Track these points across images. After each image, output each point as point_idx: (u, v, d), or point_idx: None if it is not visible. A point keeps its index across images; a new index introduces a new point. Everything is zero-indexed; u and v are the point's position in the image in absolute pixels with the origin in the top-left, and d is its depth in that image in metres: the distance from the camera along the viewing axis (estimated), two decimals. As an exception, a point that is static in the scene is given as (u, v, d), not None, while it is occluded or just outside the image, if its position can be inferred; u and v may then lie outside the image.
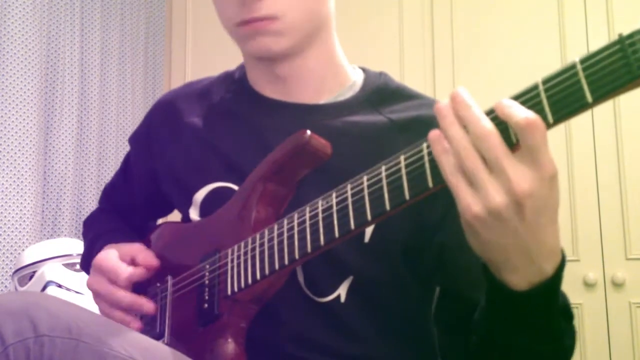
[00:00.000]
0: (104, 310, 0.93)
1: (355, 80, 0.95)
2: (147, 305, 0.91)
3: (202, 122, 0.97)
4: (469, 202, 0.58)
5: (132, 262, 0.94)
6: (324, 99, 0.93)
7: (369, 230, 0.85)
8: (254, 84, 0.96)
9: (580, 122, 2.20)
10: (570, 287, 2.24)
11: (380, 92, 0.93)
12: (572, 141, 2.22)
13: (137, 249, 0.96)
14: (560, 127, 2.20)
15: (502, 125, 0.57)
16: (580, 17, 2.23)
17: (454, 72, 2.37)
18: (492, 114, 0.58)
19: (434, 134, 0.60)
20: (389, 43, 2.47)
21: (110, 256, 0.94)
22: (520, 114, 0.55)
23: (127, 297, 0.91)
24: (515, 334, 0.68)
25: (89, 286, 0.96)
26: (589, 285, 2.14)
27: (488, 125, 0.57)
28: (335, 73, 0.94)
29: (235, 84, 0.99)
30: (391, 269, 0.86)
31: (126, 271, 0.92)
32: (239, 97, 0.97)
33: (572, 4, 2.26)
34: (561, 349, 0.71)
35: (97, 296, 0.95)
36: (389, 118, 0.89)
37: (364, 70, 0.98)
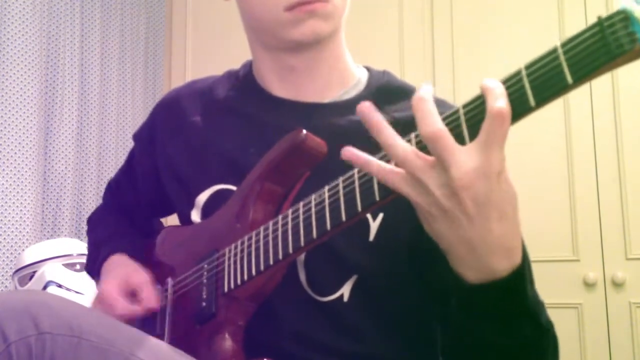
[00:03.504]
0: None
1: (359, 78, 0.96)
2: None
3: (205, 121, 0.97)
4: (411, 193, 0.60)
5: (133, 294, 0.94)
6: (329, 97, 0.93)
7: (373, 229, 0.85)
8: (261, 81, 0.97)
9: (580, 122, 2.21)
10: (570, 287, 2.25)
11: (384, 91, 0.93)
12: (572, 141, 2.22)
13: (142, 283, 0.95)
14: (560, 127, 2.21)
15: (457, 121, 0.59)
16: (580, 17, 2.23)
17: (454, 72, 2.37)
18: (480, 99, 0.59)
19: (347, 151, 0.64)
20: (389, 43, 2.47)
21: (112, 289, 0.94)
22: (497, 99, 0.56)
23: None
24: (476, 329, 0.69)
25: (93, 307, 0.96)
26: (589, 285, 2.14)
27: (436, 122, 0.58)
28: (343, 70, 0.95)
29: (240, 82, 0.99)
30: (396, 267, 0.86)
31: (123, 309, 0.92)
32: (244, 95, 0.98)
33: (572, 3, 2.26)
34: (527, 353, 0.70)
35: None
36: (393, 116, 0.90)
37: (367, 69, 0.98)
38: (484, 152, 0.57)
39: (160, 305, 0.94)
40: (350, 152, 0.63)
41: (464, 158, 0.57)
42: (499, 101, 0.56)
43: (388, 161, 0.63)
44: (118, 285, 0.95)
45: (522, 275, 0.64)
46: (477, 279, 0.63)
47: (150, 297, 0.93)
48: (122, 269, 0.98)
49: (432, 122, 0.58)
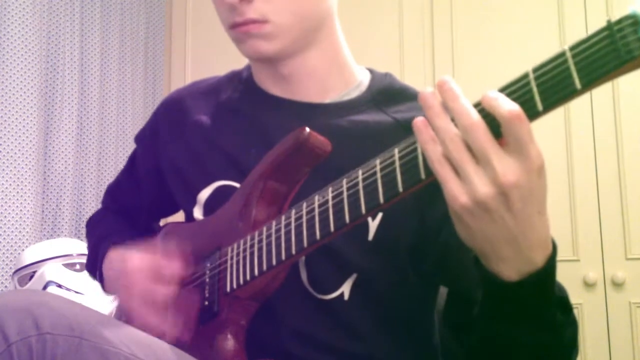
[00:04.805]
0: (144, 312, 0.85)
1: (361, 80, 0.96)
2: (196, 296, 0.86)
3: (208, 120, 0.98)
4: (455, 192, 0.58)
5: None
6: (329, 98, 0.93)
7: (372, 229, 0.85)
8: (260, 83, 0.97)
9: (580, 122, 2.21)
10: (570, 287, 2.23)
11: (386, 93, 0.93)
12: (572, 141, 2.22)
13: (157, 247, 0.90)
14: (560, 127, 2.22)
15: (490, 116, 0.57)
16: (580, 14, 2.23)
17: (454, 72, 2.37)
18: (479, 105, 0.58)
19: (419, 121, 0.60)
20: (389, 43, 2.47)
21: (143, 258, 0.88)
22: (505, 106, 0.55)
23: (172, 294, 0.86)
24: (511, 326, 0.68)
25: (124, 291, 0.88)
26: (589, 285, 2.14)
27: (475, 117, 0.57)
28: (341, 72, 0.95)
29: (242, 84, 1.00)
30: (395, 267, 0.86)
31: (169, 268, 0.86)
32: (246, 96, 0.98)
33: (571, 3, 2.26)
34: (560, 340, 0.71)
35: (137, 299, 0.86)
36: (394, 118, 0.90)
37: (370, 71, 0.98)
38: (521, 153, 0.56)
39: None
40: (423, 123, 0.60)
41: (505, 155, 0.56)
42: (509, 104, 0.55)
43: (404, 160, 0.63)
44: (139, 256, 0.89)
45: (553, 263, 0.64)
46: (517, 275, 0.62)
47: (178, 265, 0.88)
48: (131, 248, 0.93)
49: (473, 113, 0.57)
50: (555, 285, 0.67)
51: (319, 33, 0.91)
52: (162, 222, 1.19)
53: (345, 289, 0.86)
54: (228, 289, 0.82)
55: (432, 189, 0.63)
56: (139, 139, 1.10)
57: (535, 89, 0.55)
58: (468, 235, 0.62)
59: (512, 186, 0.56)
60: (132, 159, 1.13)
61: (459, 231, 0.63)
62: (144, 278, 0.86)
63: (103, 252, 1.00)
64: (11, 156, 2.39)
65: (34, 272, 2.13)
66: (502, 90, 0.58)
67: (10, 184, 2.37)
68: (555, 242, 0.64)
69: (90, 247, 1.12)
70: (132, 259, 0.89)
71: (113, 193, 1.18)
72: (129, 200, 1.14)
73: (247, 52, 0.88)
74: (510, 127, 0.55)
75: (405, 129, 0.88)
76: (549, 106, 0.55)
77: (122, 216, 1.15)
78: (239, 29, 0.86)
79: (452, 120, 0.59)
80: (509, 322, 0.68)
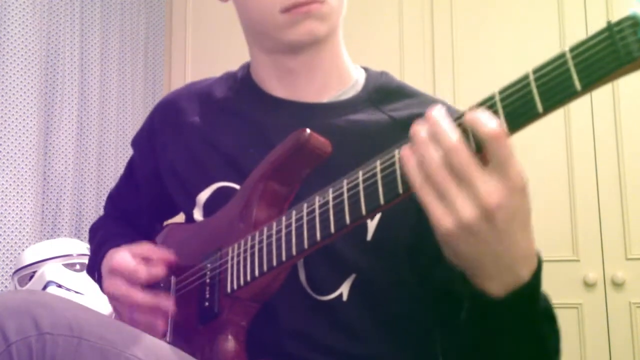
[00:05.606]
0: (124, 314, 0.90)
1: (357, 79, 0.96)
2: (166, 303, 0.88)
3: (204, 121, 0.98)
4: (439, 215, 0.59)
5: (146, 262, 0.91)
6: (327, 97, 0.94)
7: (371, 229, 0.85)
8: (259, 82, 0.97)
9: (580, 122, 2.21)
10: (570, 287, 2.25)
11: (382, 91, 0.94)
12: (572, 141, 2.22)
13: (148, 249, 0.93)
14: (560, 127, 2.22)
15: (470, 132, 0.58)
16: (580, 14, 2.23)
17: (454, 71, 2.38)
18: (461, 118, 0.59)
19: (404, 151, 0.61)
20: (389, 43, 2.47)
21: (126, 258, 0.91)
22: (484, 126, 0.56)
23: (146, 298, 0.88)
24: (498, 340, 0.69)
25: (106, 290, 0.93)
26: (589, 285, 2.14)
27: (455, 138, 0.58)
28: (340, 71, 0.95)
29: (238, 84, 1.00)
30: (394, 267, 0.86)
31: (145, 271, 0.89)
32: (243, 96, 0.98)
33: (571, 2, 2.26)
34: (545, 350, 0.71)
35: (115, 300, 0.91)
36: (391, 116, 0.90)
37: (365, 69, 0.99)
38: (502, 172, 0.57)
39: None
40: (409, 152, 0.61)
41: (488, 177, 0.57)
42: (489, 125, 0.56)
43: (390, 169, 0.63)
44: (126, 255, 0.91)
45: (539, 277, 0.64)
46: (504, 290, 0.63)
47: (162, 254, 0.91)
48: (125, 248, 0.96)
49: (453, 135, 0.58)
50: (541, 296, 0.67)
51: (337, 28, 0.93)
52: (165, 224, 1.20)
53: (344, 289, 0.86)
54: (229, 290, 0.82)
55: None
56: (136, 142, 1.10)
57: (535, 90, 0.55)
58: (455, 257, 0.63)
59: (496, 207, 0.57)
60: (130, 164, 1.13)
61: (446, 253, 0.64)
62: (122, 283, 0.89)
63: (103, 254, 1.00)
64: (11, 156, 2.39)
65: (34, 272, 2.13)
66: (502, 91, 0.58)
67: (10, 184, 2.37)
68: (540, 257, 0.65)
69: (92, 252, 1.12)
70: (117, 252, 0.92)
71: (114, 199, 1.18)
72: (129, 205, 1.14)
73: (301, 34, 0.87)
74: (490, 147, 0.56)
75: (402, 127, 0.88)
76: (549, 107, 0.55)
77: (124, 221, 1.15)
78: (301, 9, 0.85)
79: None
80: (495, 334, 0.68)
